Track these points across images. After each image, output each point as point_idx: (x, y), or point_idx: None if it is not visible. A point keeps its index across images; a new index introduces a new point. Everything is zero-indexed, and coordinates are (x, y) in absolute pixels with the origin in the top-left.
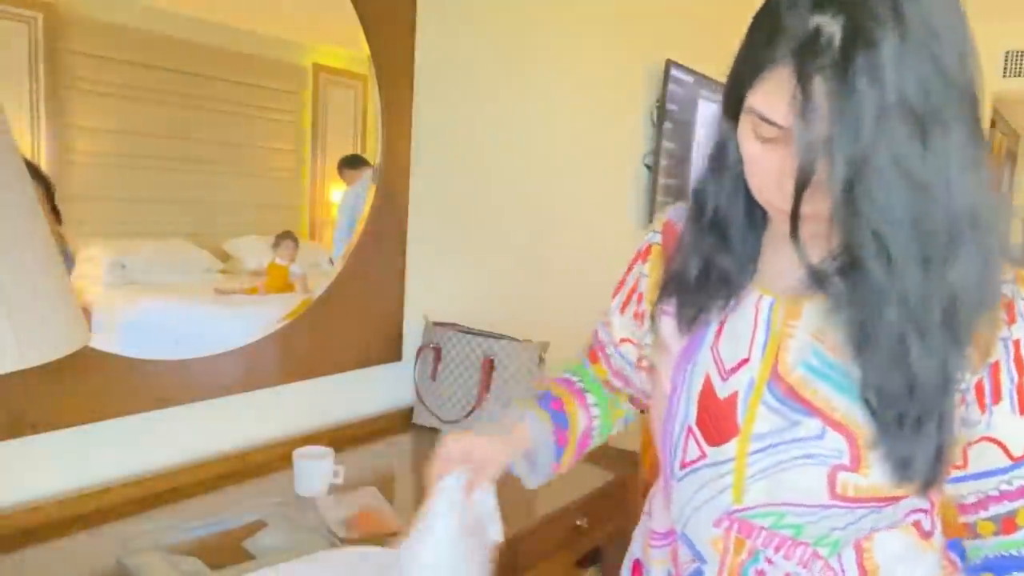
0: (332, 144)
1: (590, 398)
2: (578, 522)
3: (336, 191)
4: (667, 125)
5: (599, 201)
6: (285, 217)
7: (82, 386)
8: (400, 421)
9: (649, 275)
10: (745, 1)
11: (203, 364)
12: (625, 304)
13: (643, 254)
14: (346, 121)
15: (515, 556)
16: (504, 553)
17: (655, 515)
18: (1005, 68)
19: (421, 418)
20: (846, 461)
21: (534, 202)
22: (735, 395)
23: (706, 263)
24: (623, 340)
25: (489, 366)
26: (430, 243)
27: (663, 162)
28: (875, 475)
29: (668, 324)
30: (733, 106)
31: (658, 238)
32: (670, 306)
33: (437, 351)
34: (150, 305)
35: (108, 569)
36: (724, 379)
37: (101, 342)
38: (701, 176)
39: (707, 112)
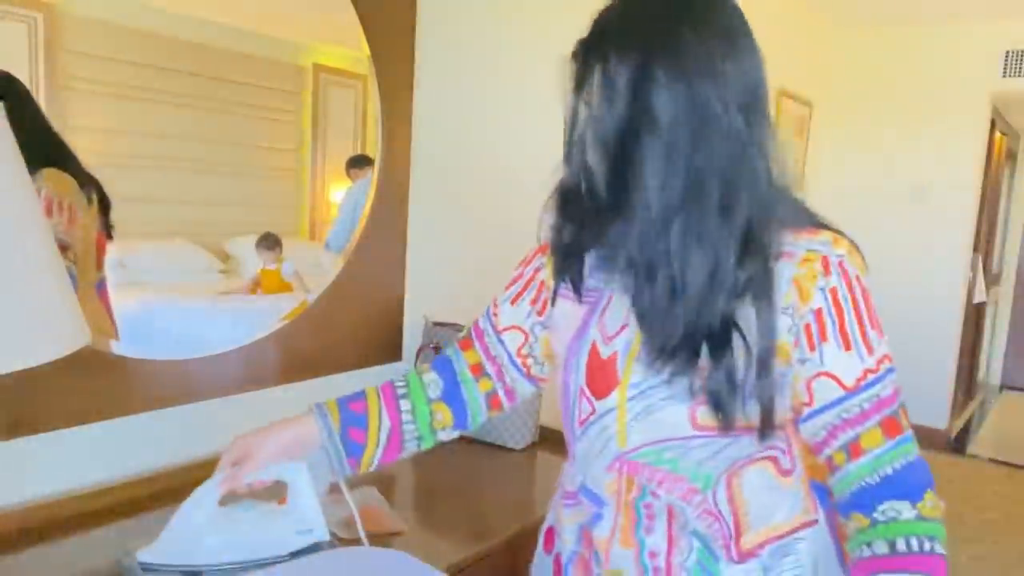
0: (332, 144)
1: (404, 404)
2: None
3: (336, 191)
4: None
5: None
6: (285, 217)
7: (82, 386)
8: None
9: (548, 266)
10: (744, 2)
11: (203, 364)
12: (519, 295)
13: (543, 248)
14: (346, 121)
15: (515, 556)
16: (504, 553)
17: (565, 480)
18: (1005, 68)
19: None
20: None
21: (535, 202)
22: (615, 354)
23: (567, 233)
24: (507, 328)
25: None
26: (430, 243)
27: None
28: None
29: (564, 306)
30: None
31: None
32: (567, 289)
33: (437, 351)
34: (150, 305)
35: (108, 569)
36: (607, 343)
37: (101, 342)
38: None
39: None
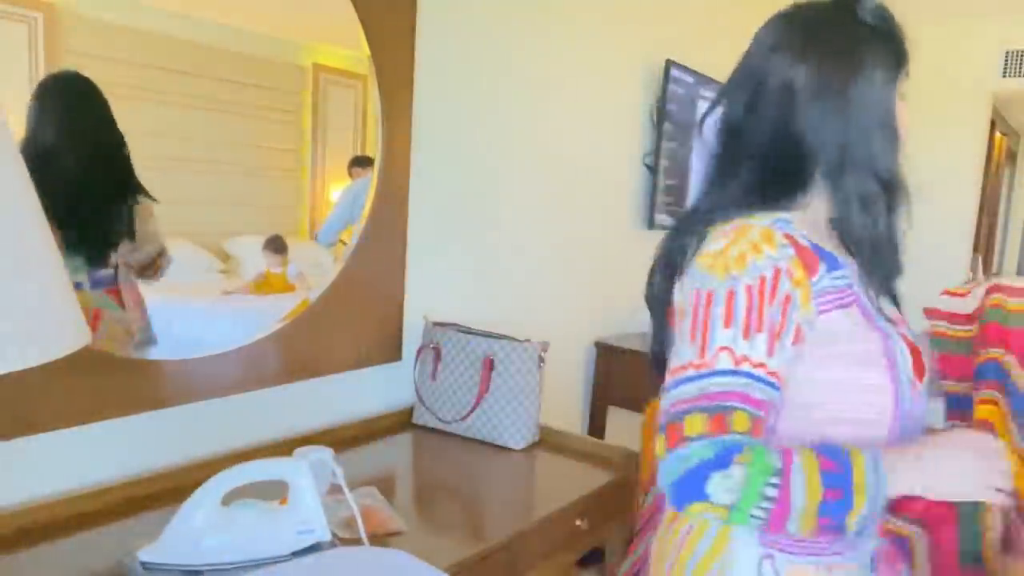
0: (332, 144)
1: None
2: (578, 522)
3: (336, 191)
4: (667, 125)
5: (599, 201)
6: (285, 217)
7: (82, 386)
8: (400, 421)
9: (801, 288)
10: (745, 1)
11: (203, 364)
12: (777, 340)
13: (778, 277)
14: (346, 121)
15: (515, 556)
16: (504, 553)
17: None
18: (1005, 68)
19: (421, 418)
20: None
21: (534, 202)
22: (915, 338)
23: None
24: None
25: (489, 366)
26: (430, 243)
27: (663, 162)
28: None
29: (839, 316)
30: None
31: (790, 251)
32: (843, 296)
33: (437, 351)
34: (150, 305)
35: (109, 569)
36: (903, 329)
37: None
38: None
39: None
